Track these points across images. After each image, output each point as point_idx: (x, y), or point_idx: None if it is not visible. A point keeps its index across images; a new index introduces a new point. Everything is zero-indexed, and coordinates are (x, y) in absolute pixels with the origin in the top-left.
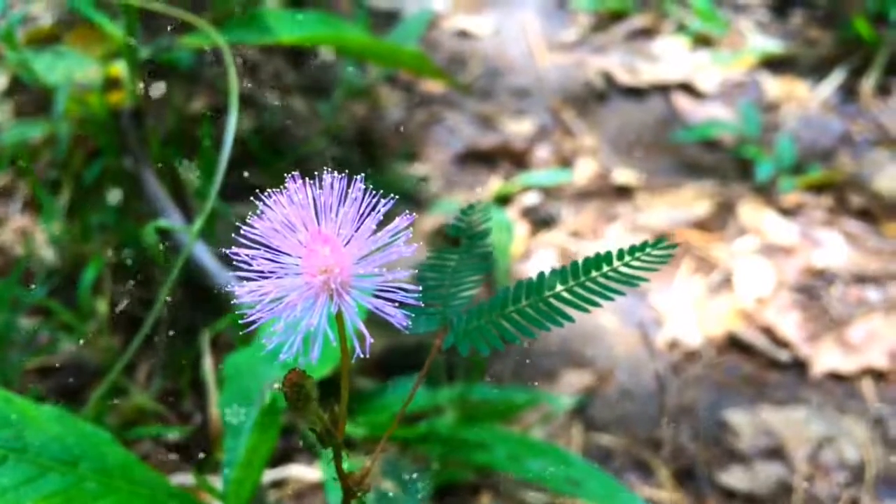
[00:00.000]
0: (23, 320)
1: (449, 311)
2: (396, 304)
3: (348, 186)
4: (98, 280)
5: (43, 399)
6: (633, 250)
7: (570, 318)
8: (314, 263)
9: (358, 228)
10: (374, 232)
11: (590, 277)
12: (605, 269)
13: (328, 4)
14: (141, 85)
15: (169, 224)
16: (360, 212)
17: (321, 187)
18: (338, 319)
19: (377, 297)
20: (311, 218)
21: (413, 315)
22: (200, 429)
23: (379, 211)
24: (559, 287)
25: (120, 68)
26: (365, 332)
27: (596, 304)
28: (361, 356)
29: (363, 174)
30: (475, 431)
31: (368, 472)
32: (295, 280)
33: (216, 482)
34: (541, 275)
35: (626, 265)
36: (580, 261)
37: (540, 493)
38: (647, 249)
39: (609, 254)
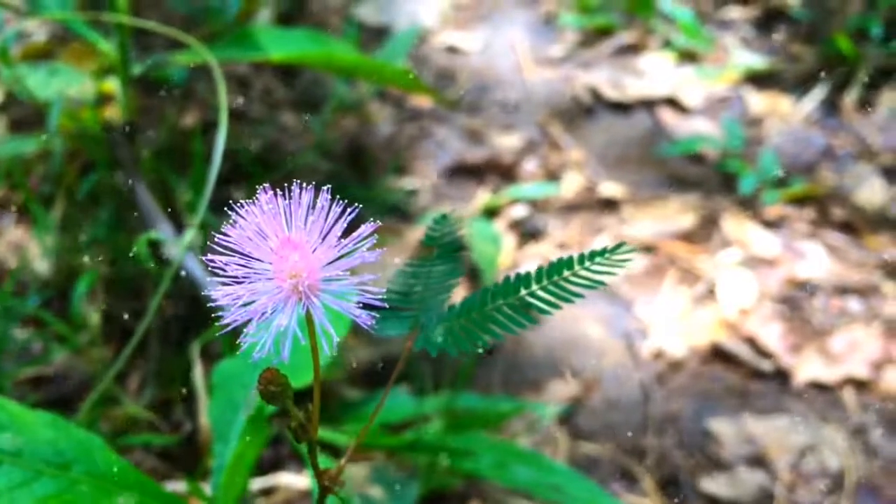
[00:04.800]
0: (16, 331)
1: (422, 316)
2: (361, 305)
3: (316, 197)
4: (90, 291)
5: (36, 408)
6: (594, 254)
7: (534, 321)
8: (284, 268)
9: (325, 236)
10: (341, 239)
11: (554, 281)
12: (568, 273)
13: (319, 20)
14: (133, 100)
15: (160, 236)
16: (328, 220)
17: (290, 197)
18: (307, 321)
19: (344, 299)
20: (282, 226)
21: (381, 317)
22: (191, 437)
23: (345, 219)
24: (524, 291)
25: (113, 84)
26: (332, 331)
27: (558, 308)
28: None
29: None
30: (462, 440)
31: (342, 469)
32: (266, 284)
33: (206, 489)
34: (507, 279)
35: (589, 268)
36: (545, 266)
37: (526, 501)
38: (608, 254)
39: (571, 258)
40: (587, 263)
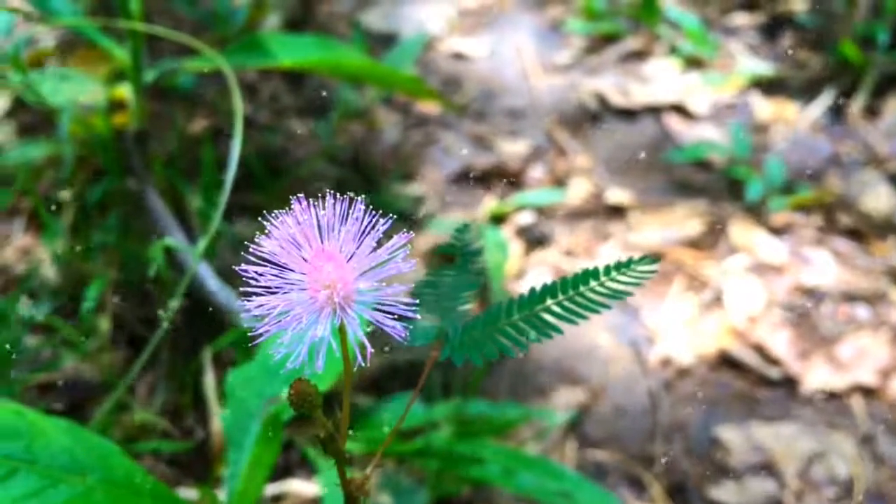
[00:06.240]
0: (26, 338)
1: (445, 325)
2: (395, 317)
3: (350, 207)
4: (100, 298)
5: (47, 414)
6: (618, 266)
7: (559, 331)
8: (318, 279)
9: (359, 246)
10: (374, 249)
11: (578, 292)
12: (593, 284)
13: (325, 27)
14: (145, 107)
15: (175, 243)
16: (361, 230)
17: (324, 208)
18: (340, 332)
19: (377, 310)
20: (315, 236)
21: (411, 327)
22: (202, 444)
23: (378, 230)
24: (549, 301)
25: (124, 90)
26: (366, 343)
27: (584, 318)
28: (362, 367)
29: (361, 194)
30: (470, 446)
31: (369, 478)
32: (300, 295)
33: (218, 496)
34: (532, 289)
35: (613, 280)
36: (570, 276)
37: None
38: (632, 266)
39: (596, 269)
40: (613, 274)
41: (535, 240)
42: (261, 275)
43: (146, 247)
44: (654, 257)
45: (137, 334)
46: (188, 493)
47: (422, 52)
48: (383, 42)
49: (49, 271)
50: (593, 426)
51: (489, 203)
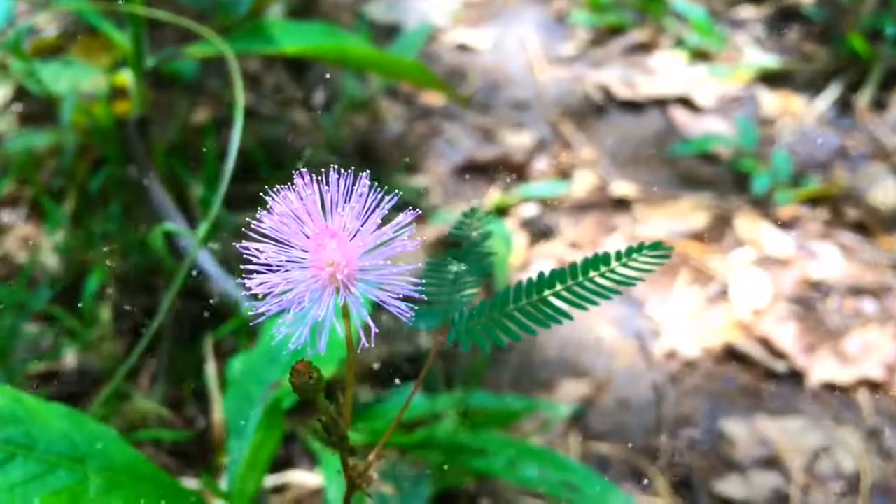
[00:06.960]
0: (27, 326)
1: (451, 310)
2: (400, 297)
3: (354, 183)
4: (101, 287)
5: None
6: (629, 252)
7: (568, 317)
8: (321, 257)
9: (363, 223)
10: (379, 227)
11: (588, 278)
12: (603, 269)
13: (329, 17)
14: (146, 94)
15: (175, 228)
16: (365, 207)
17: (328, 184)
18: (343, 311)
19: (382, 289)
20: (318, 213)
21: (416, 308)
22: (203, 433)
23: (383, 207)
24: (559, 286)
25: (126, 78)
26: (370, 323)
27: (594, 303)
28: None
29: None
30: (474, 438)
31: (371, 465)
32: (303, 273)
33: (220, 485)
34: (541, 275)
35: (623, 265)
36: (579, 262)
37: (538, 501)
38: (643, 251)
39: (607, 255)
40: (624, 260)
41: (539, 232)
42: (262, 251)
43: (147, 235)
44: (665, 247)
45: (139, 323)
46: (189, 482)
47: (426, 44)
48: (387, 33)
49: (50, 260)
50: (597, 419)
51: (493, 195)
